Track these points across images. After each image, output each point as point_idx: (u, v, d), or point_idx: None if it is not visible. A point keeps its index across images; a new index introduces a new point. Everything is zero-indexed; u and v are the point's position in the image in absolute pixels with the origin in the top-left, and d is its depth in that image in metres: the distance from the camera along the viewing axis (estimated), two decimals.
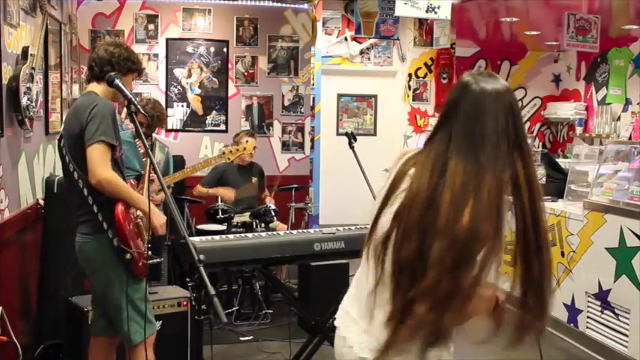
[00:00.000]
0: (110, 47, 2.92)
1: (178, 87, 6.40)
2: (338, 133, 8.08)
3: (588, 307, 4.42)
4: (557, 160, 6.07)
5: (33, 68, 3.52)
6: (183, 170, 4.49)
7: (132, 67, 2.96)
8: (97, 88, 2.88)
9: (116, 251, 2.78)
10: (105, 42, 3.04)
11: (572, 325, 4.57)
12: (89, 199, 2.78)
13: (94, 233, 2.80)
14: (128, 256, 2.78)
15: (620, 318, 4.10)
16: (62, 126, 2.91)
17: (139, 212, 2.90)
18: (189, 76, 6.40)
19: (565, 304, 4.64)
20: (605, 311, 4.24)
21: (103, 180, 2.67)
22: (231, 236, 3.64)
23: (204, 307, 3.66)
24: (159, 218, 2.96)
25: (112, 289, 2.81)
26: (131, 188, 2.87)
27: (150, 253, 2.94)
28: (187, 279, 3.97)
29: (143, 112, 2.89)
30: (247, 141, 5.28)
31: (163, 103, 6.34)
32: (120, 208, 2.76)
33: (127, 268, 2.81)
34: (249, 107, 6.55)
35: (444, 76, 7.95)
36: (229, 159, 4.51)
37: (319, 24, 6.38)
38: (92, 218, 2.79)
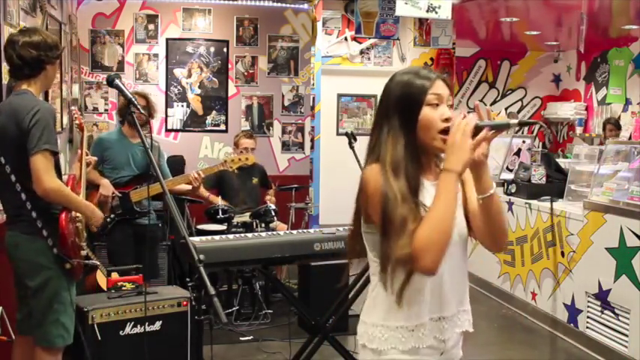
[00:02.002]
0: (34, 41, 2.76)
1: (178, 87, 6.40)
2: (338, 133, 8.07)
3: (588, 307, 4.42)
4: (557, 160, 6.07)
5: None
6: (185, 175, 4.47)
7: (58, 53, 2.88)
8: (32, 86, 2.81)
9: (55, 257, 2.78)
10: (19, 37, 2.78)
11: (572, 325, 4.57)
12: (27, 204, 2.75)
13: (33, 234, 2.77)
14: (68, 266, 2.79)
15: (620, 318, 4.10)
16: None
17: (77, 214, 2.90)
18: (189, 76, 6.41)
19: (565, 304, 4.64)
20: (605, 311, 4.24)
21: (49, 190, 2.67)
22: (231, 236, 3.64)
23: (204, 307, 3.66)
24: (96, 219, 2.98)
25: (46, 289, 2.78)
26: (74, 193, 2.86)
27: (85, 252, 2.97)
28: (187, 279, 3.97)
29: (143, 111, 2.88)
30: (249, 150, 5.32)
31: (163, 103, 6.37)
32: (64, 219, 2.76)
33: (66, 270, 2.82)
34: (249, 107, 6.55)
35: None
36: (231, 167, 4.54)
37: (319, 24, 6.38)
38: (30, 220, 2.77)
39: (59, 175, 2.84)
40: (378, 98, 1.74)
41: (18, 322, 2.96)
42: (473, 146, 1.55)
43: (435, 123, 1.62)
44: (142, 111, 2.65)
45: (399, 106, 1.65)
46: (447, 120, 1.61)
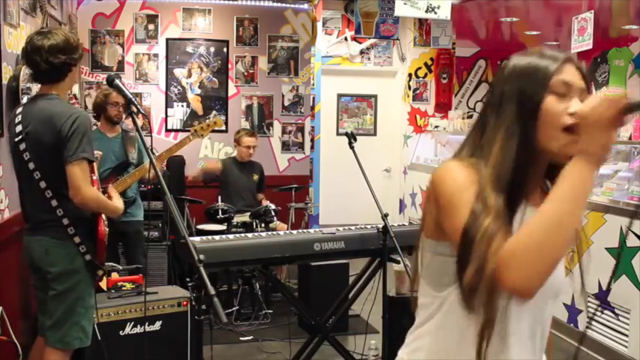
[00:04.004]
0: (59, 45, 2.73)
1: (178, 87, 6.40)
2: (338, 133, 8.08)
3: (588, 307, 4.42)
4: None
5: None
6: (160, 153, 4.44)
7: (81, 54, 2.87)
8: (59, 90, 2.81)
9: (86, 262, 2.80)
10: (43, 41, 2.72)
11: (572, 325, 4.57)
12: (59, 211, 2.75)
13: (63, 239, 2.77)
14: (101, 272, 2.85)
15: (620, 318, 4.10)
16: (21, 128, 2.76)
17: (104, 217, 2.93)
18: (189, 76, 6.40)
19: (565, 304, 4.64)
20: (605, 311, 4.24)
21: (88, 198, 2.69)
22: (231, 236, 3.64)
23: (204, 307, 3.66)
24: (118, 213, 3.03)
25: (73, 292, 2.78)
26: (106, 198, 2.90)
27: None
28: (187, 279, 3.97)
29: (143, 111, 2.87)
30: (251, 147, 5.52)
31: (163, 103, 6.37)
32: (102, 229, 2.81)
33: (93, 275, 2.86)
34: (249, 107, 6.55)
35: (444, 76, 7.95)
36: (202, 135, 4.51)
37: (319, 24, 6.38)
38: (60, 227, 2.77)
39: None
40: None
41: (41, 324, 2.95)
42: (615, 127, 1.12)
43: (557, 117, 1.21)
44: (142, 110, 2.65)
45: (517, 94, 1.26)
46: (574, 115, 1.20)
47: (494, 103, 1.29)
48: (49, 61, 2.71)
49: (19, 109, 2.83)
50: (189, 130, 6.37)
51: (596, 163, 1.13)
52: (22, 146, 2.74)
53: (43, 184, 2.73)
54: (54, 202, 2.74)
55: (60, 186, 2.71)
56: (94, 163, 3.26)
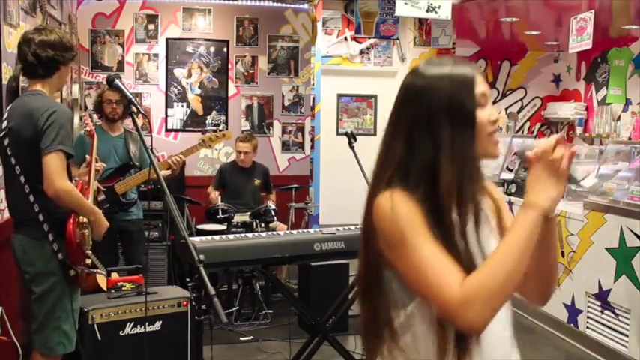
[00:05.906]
0: (50, 40, 2.73)
1: (178, 87, 6.40)
2: (338, 133, 8.07)
3: (588, 307, 4.42)
4: None
5: None
6: (164, 161, 4.44)
7: (73, 54, 2.86)
8: (46, 87, 2.79)
9: (60, 263, 2.76)
10: (35, 35, 2.74)
11: (572, 325, 4.57)
12: (35, 206, 2.72)
13: (40, 239, 2.74)
14: (72, 272, 2.78)
15: (620, 318, 4.10)
16: (6, 124, 2.76)
17: (84, 220, 2.87)
18: (189, 76, 6.41)
19: (565, 304, 4.64)
20: (605, 311, 4.24)
21: (60, 191, 2.63)
22: (231, 236, 3.64)
23: (204, 307, 3.66)
24: (101, 228, 2.94)
25: (51, 295, 2.76)
26: (83, 197, 2.84)
27: (90, 260, 2.94)
28: (187, 279, 3.97)
29: (143, 111, 2.87)
30: (242, 154, 5.48)
31: (163, 103, 6.37)
32: (71, 224, 2.74)
33: (70, 278, 2.81)
34: (249, 107, 6.55)
35: None
36: (210, 146, 4.51)
37: (319, 24, 6.38)
38: (37, 224, 2.74)
39: (70, 179, 2.81)
40: (392, 99, 1.46)
41: (30, 326, 2.93)
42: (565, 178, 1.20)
43: (486, 126, 1.31)
44: (142, 110, 2.64)
45: (448, 106, 1.30)
46: (494, 122, 1.33)
47: (420, 120, 1.32)
48: (37, 54, 2.71)
49: (9, 107, 2.83)
50: (189, 130, 6.41)
51: (546, 215, 1.21)
52: (6, 142, 2.74)
53: (22, 179, 2.72)
54: (31, 198, 2.72)
55: (37, 181, 2.68)
56: (97, 171, 3.25)
